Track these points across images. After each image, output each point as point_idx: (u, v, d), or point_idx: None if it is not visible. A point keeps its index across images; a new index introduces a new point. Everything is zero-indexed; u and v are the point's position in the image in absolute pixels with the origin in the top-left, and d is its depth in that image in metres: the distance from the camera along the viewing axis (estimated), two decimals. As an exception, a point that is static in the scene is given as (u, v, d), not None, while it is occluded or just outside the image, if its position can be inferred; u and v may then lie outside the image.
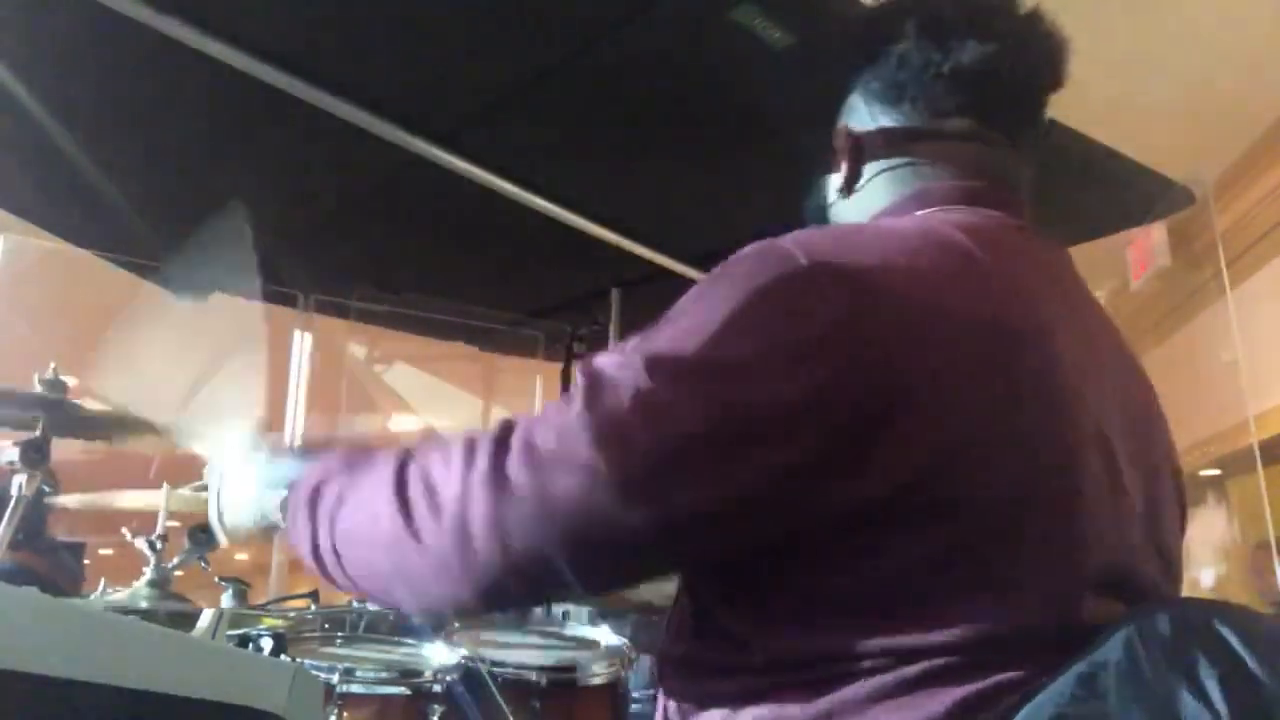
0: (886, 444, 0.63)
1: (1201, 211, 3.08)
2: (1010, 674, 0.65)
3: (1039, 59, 0.85)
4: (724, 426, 0.64)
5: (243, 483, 0.91)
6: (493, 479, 0.66)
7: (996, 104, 0.84)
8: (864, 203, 0.88)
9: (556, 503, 0.64)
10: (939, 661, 0.65)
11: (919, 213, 0.81)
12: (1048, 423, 0.69)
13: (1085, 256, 3.36)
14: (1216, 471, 3.81)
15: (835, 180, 0.90)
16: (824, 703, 0.67)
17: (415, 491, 0.70)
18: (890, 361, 0.64)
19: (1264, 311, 3.30)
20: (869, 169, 0.88)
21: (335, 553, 0.76)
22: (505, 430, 0.69)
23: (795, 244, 0.69)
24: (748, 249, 0.70)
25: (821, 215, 0.94)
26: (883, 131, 0.86)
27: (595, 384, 0.67)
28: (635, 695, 1.61)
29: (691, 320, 0.68)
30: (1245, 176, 3.37)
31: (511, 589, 0.68)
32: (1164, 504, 0.81)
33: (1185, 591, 0.86)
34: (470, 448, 0.69)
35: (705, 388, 0.64)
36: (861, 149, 0.87)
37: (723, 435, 0.64)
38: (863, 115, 0.89)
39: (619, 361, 0.67)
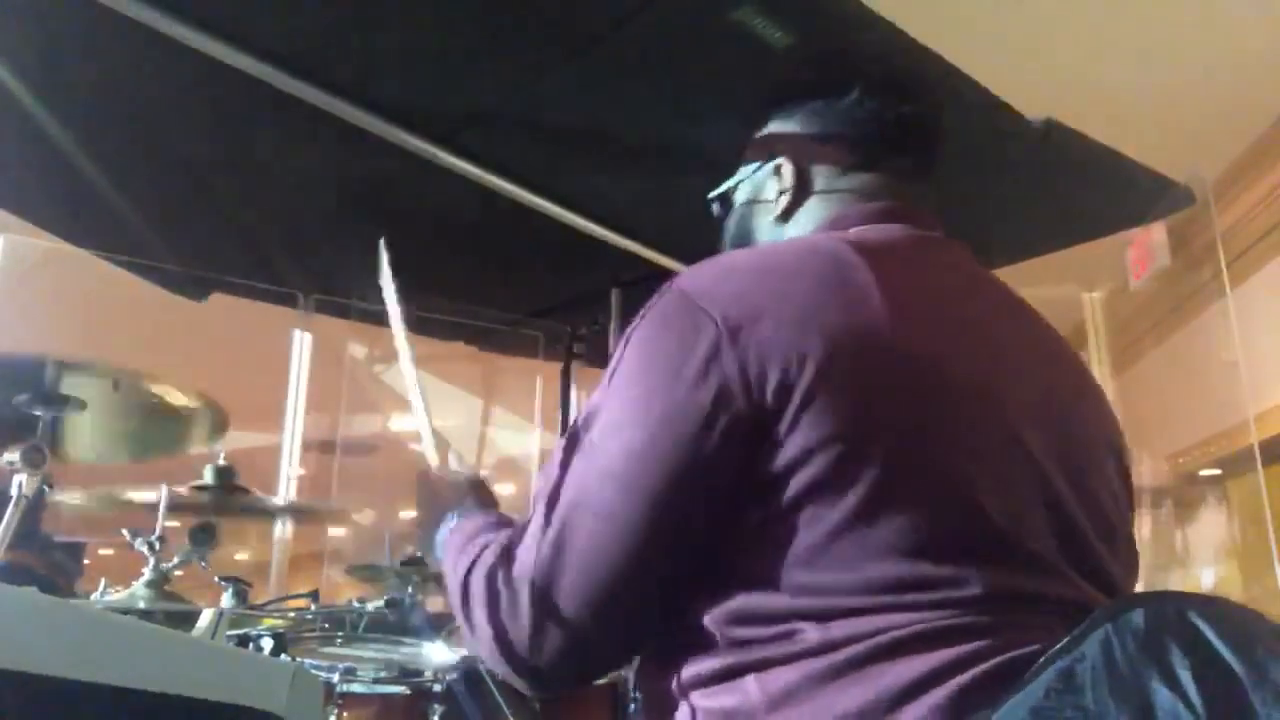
0: (781, 433, 0.73)
1: (1201, 211, 3.08)
2: (964, 647, 0.68)
3: (936, 109, 1.02)
4: (652, 448, 0.75)
5: (424, 537, 1.07)
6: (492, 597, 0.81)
7: (919, 147, 1.00)
8: (796, 227, 0.99)
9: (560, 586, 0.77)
10: (885, 637, 0.69)
11: (833, 231, 0.93)
12: (923, 403, 0.76)
13: (1085, 256, 3.37)
14: (1216, 471, 3.81)
15: (770, 206, 1.01)
16: (783, 681, 0.71)
17: (474, 601, 0.84)
18: (767, 367, 0.74)
19: (1264, 311, 3.30)
20: (811, 195, 0.99)
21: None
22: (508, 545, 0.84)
23: (683, 283, 0.82)
24: (653, 299, 0.83)
25: (744, 235, 1.05)
26: (828, 169, 0.99)
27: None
28: (635, 695, 1.61)
29: (617, 377, 0.81)
30: (1245, 176, 3.37)
31: (556, 677, 0.80)
32: (1098, 477, 0.85)
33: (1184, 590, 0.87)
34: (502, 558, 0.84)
35: (634, 441, 0.76)
36: (807, 183, 0.99)
37: (648, 460, 0.75)
38: (804, 148, 1.00)
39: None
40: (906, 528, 0.71)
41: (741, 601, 0.74)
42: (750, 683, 0.72)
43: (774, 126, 1.03)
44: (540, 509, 0.81)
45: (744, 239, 1.04)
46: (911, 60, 1.05)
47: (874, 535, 0.71)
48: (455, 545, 0.93)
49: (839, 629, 0.70)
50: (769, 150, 1.03)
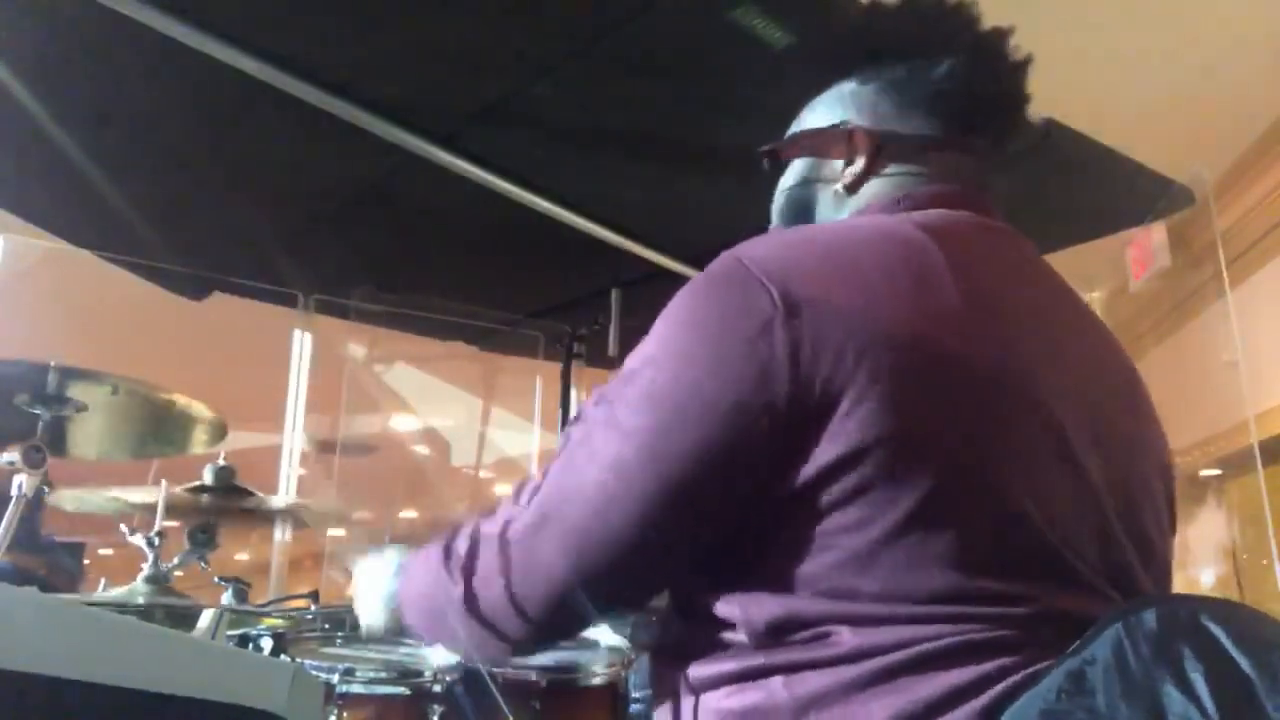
0: (830, 427, 0.69)
1: (1201, 211, 3.08)
2: (996, 661, 0.66)
3: (1026, 86, 0.93)
4: (679, 415, 0.71)
5: (369, 592, 0.99)
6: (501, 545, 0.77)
7: (1004, 126, 0.93)
8: (857, 202, 0.91)
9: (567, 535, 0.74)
10: (922, 648, 0.67)
11: (895, 212, 0.86)
12: (987, 407, 0.72)
13: (1085, 256, 3.36)
14: (1216, 471, 3.81)
15: (838, 173, 0.92)
16: (812, 686, 0.68)
17: (457, 558, 0.81)
18: (820, 355, 0.69)
19: (1264, 311, 3.30)
20: (882, 169, 0.90)
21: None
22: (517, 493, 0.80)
23: (741, 254, 0.76)
24: (707, 267, 0.77)
25: (801, 206, 0.96)
26: (914, 137, 0.90)
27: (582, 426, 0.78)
28: (635, 695, 1.60)
29: (653, 340, 0.77)
30: (1245, 176, 3.36)
31: (538, 626, 0.77)
32: (1143, 495, 0.82)
33: (1185, 591, 0.86)
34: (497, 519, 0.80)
35: (662, 404, 0.72)
36: (880, 149, 0.90)
37: (672, 427, 0.71)
38: (885, 114, 0.91)
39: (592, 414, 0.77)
40: (959, 539, 0.68)
41: (776, 602, 0.71)
42: (777, 684, 0.70)
43: (851, 85, 0.93)
44: (556, 460, 0.78)
45: (801, 202, 0.95)
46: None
47: (926, 544, 0.68)
48: (426, 548, 0.88)
49: (876, 636, 0.68)
50: (841, 111, 0.93)
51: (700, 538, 0.74)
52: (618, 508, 0.72)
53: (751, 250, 0.76)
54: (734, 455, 0.70)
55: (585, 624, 0.86)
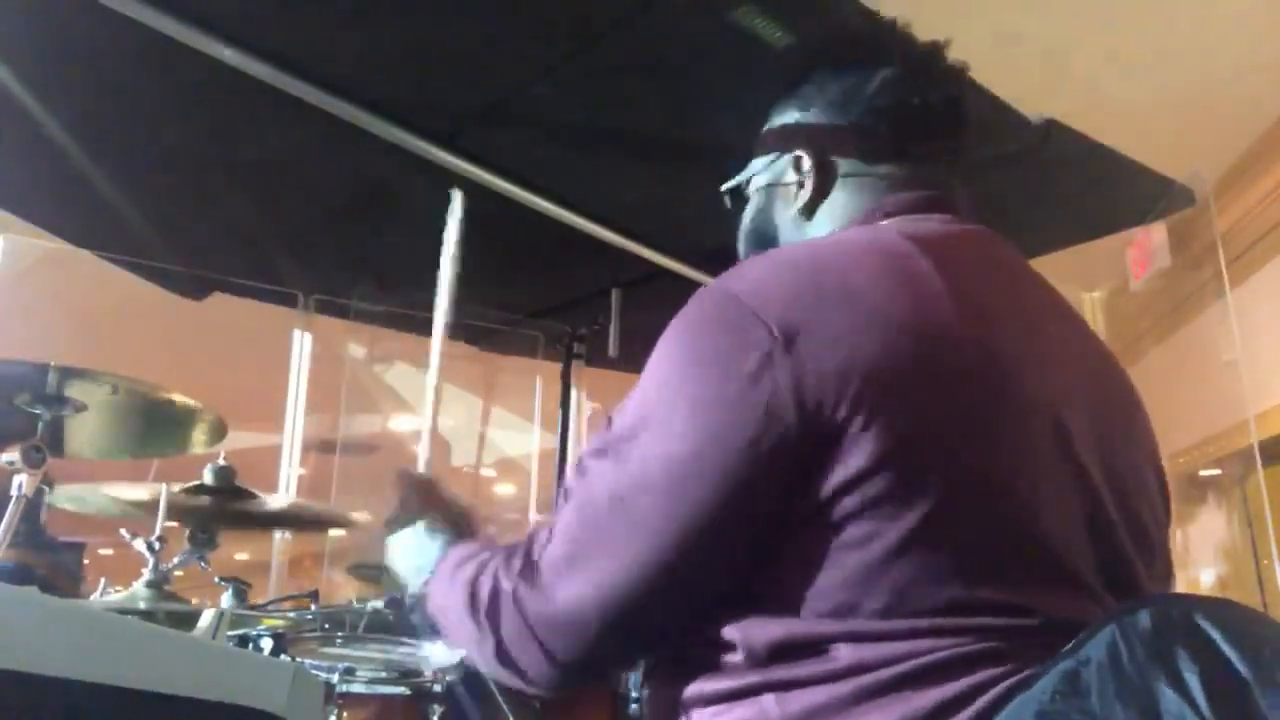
0: (840, 449, 0.69)
1: (1201, 211, 3.07)
2: (989, 671, 0.66)
3: (961, 96, 0.96)
4: (695, 461, 0.71)
5: (401, 558, 1.00)
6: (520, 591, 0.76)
7: (949, 135, 0.95)
8: (823, 220, 0.94)
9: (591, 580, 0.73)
10: (916, 662, 0.67)
11: (874, 223, 0.88)
12: (990, 414, 0.72)
13: (1085, 256, 3.35)
14: (1216, 471, 3.81)
15: (794, 198, 0.95)
16: (804, 702, 0.68)
17: (481, 606, 0.80)
18: (825, 381, 0.69)
19: (1264, 311, 3.30)
20: (834, 186, 0.93)
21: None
22: (530, 542, 0.79)
23: (731, 283, 0.76)
24: (694, 298, 0.78)
25: (762, 234, 0.99)
26: (852, 159, 0.93)
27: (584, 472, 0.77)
28: (635, 695, 1.61)
29: (654, 387, 0.76)
30: (1245, 176, 3.36)
31: (564, 682, 0.77)
32: (1140, 490, 0.82)
33: (1186, 591, 0.86)
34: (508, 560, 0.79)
35: (675, 453, 0.72)
36: (831, 175, 0.93)
37: (690, 474, 0.71)
38: (825, 139, 0.94)
39: (599, 453, 0.77)
40: (964, 550, 0.69)
41: (777, 625, 0.71)
42: (769, 700, 0.70)
43: (791, 116, 0.97)
44: (565, 514, 0.77)
45: (763, 234, 0.98)
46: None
47: (931, 558, 0.68)
48: (453, 559, 0.88)
49: (873, 651, 0.67)
50: (787, 141, 0.97)
51: (722, 574, 0.73)
52: (643, 559, 0.71)
53: (739, 281, 0.76)
54: (752, 492, 0.70)
55: (617, 671, 0.85)
